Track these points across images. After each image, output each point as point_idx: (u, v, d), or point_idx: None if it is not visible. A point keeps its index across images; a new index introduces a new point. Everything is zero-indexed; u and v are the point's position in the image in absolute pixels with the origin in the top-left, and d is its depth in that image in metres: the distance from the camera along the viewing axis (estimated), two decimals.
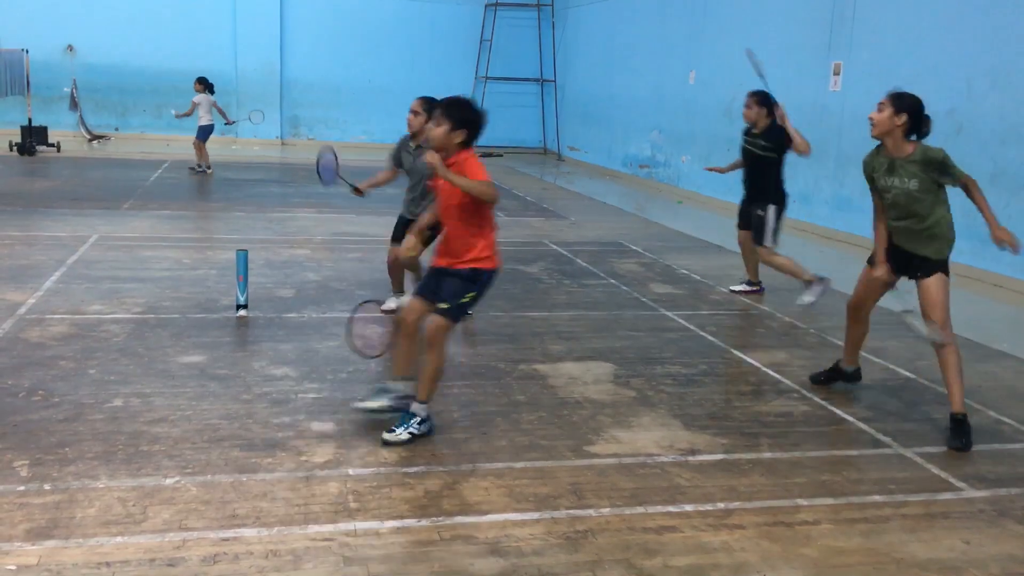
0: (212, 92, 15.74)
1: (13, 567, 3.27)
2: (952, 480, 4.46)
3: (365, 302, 5.18)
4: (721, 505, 4.06)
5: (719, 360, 6.29)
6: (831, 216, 12.00)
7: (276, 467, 4.22)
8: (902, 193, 4.99)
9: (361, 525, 3.70)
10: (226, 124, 16.19)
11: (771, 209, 7.83)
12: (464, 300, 4.60)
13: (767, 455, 4.66)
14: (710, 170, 8.86)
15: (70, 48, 21.08)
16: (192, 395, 5.09)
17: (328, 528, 3.67)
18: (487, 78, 22.80)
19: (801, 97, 12.67)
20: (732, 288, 8.41)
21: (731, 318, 7.48)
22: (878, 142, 5.07)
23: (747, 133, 8.04)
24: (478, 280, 4.61)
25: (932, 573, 3.57)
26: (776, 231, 7.88)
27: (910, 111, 4.95)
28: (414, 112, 6.38)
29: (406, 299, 5.11)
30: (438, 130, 4.47)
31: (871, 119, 5.02)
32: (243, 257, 6.80)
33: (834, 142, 12.04)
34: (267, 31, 21.87)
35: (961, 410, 4.97)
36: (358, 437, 4.62)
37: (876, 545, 3.77)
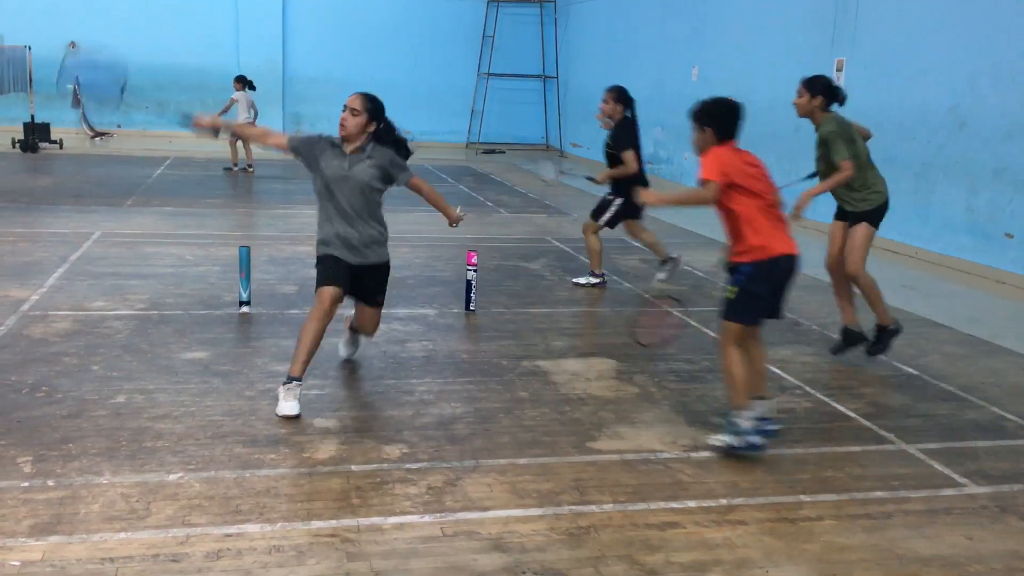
0: (252, 89, 15.66)
1: (17, 563, 3.28)
2: (955, 476, 4.46)
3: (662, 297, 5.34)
4: (723, 501, 4.06)
5: None
6: (832, 213, 11.99)
7: (279, 463, 4.23)
8: (821, 158, 6.02)
9: (364, 521, 3.71)
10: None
11: (618, 201, 8.08)
12: (728, 296, 4.57)
13: (769, 451, 4.66)
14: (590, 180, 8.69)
15: (72, 45, 21.08)
16: (195, 391, 5.10)
17: (331, 524, 3.67)
18: (489, 74, 22.79)
19: None
20: (576, 280, 8.32)
21: None
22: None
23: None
24: (734, 274, 4.57)
25: (935, 569, 3.57)
26: (615, 219, 8.16)
27: (823, 92, 5.91)
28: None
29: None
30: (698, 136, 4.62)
31: (794, 104, 6.01)
32: (245, 253, 6.80)
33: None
34: (269, 27, 21.87)
35: (886, 322, 6.00)
36: (360, 433, 4.63)
37: (879, 541, 3.77)
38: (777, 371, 5.99)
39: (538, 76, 23.39)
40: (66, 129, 19.81)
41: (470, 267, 7.13)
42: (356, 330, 5.70)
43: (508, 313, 7.16)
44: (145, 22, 21.07)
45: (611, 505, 3.97)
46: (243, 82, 15.54)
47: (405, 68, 22.52)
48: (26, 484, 3.89)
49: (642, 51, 18.16)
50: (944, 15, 10.16)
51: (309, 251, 9.11)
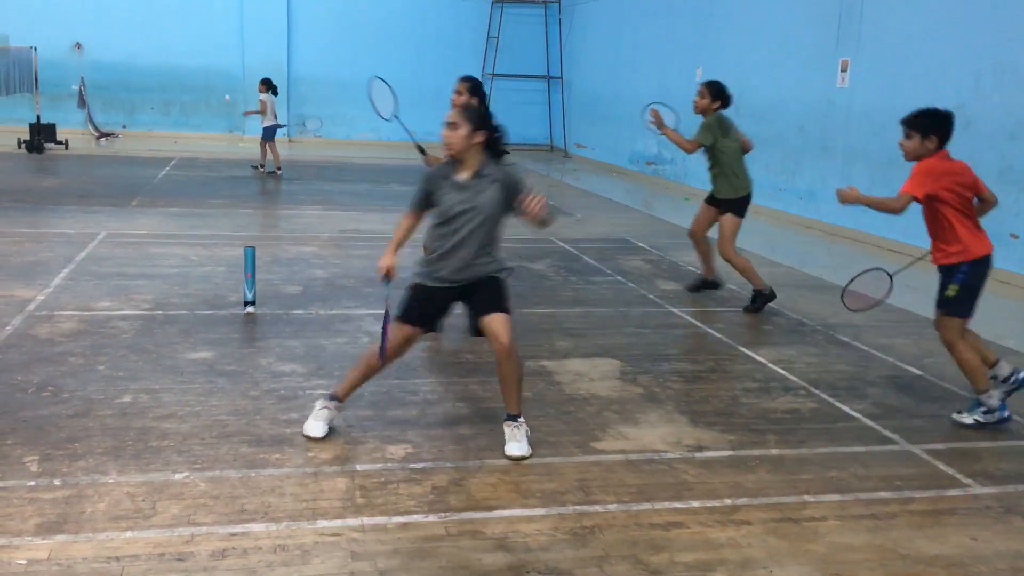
0: (275, 94, 15.70)
1: (24, 561, 3.30)
2: (959, 477, 4.46)
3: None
4: (728, 501, 4.06)
5: (726, 357, 6.29)
6: (838, 213, 11.98)
7: (284, 463, 4.24)
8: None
9: (368, 521, 3.72)
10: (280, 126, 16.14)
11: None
12: (950, 295, 5.10)
13: (774, 451, 4.66)
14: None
15: (78, 46, 21.14)
16: (200, 391, 5.12)
17: (336, 523, 3.68)
18: (494, 75, 22.80)
19: (809, 93, 12.67)
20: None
21: (738, 315, 7.47)
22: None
23: None
24: (952, 274, 5.07)
25: (939, 569, 3.57)
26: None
27: (720, 96, 7.39)
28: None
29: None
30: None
31: (695, 102, 7.41)
32: (250, 254, 6.82)
33: (841, 138, 12.03)
34: (274, 28, 21.91)
35: (762, 287, 7.39)
36: (365, 433, 4.64)
37: (883, 541, 3.77)
38: (782, 371, 6.00)
39: (542, 77, 23.40)
40: (72, 130, 19.86)
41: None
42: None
43: (512, 314, 7.14)
44: (150, 23, 21.12)
45: (615, 505, 3.97)
46: (268, 85, 15.55)
47: (409, 69, 22.52)
48: (32, 483, 3.90)
49: (646, 51, 18.16)
50: (948, 15, 10.15)
51: (314, 251, 9.13)
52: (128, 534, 3.51)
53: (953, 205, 5.00)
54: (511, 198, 4.45)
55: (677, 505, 4.00)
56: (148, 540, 3.48)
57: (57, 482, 3.92)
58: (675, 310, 7.51)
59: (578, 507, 3.93)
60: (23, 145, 17.40)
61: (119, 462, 4.15)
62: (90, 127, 20.89)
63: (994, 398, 5.08)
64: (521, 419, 4.52)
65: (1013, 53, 9.22)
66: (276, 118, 15.55)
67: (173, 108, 22.00)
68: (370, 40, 22.45)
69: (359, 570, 3.35)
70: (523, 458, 4.38)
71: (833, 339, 6.85)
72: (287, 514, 3.74)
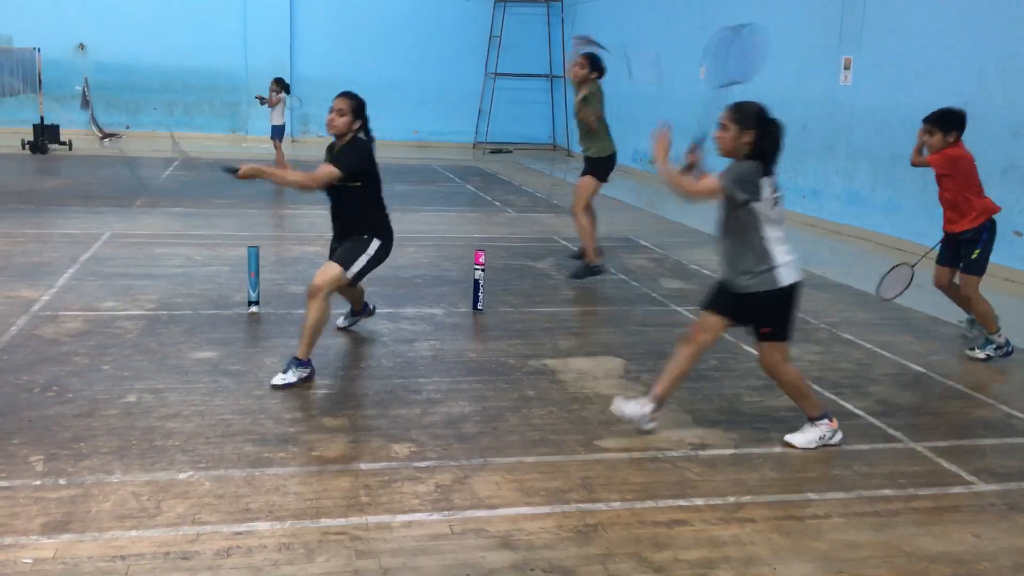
0: (288, 93, 15.73)
1: (29, 560, 3.31)
2: (962, 474, 4.46)
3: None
4: (731, 499, 4.07)
5: (729, 355, 6.29)
6: (841, 211, 11.98)
7: (288, 462, 4.25)
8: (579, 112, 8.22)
9: (373, 519, 3.73)
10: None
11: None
12: (974, 256, 6.18)
13: (777, 450, 4.67)
14: None
15: (81, 47, 21.17)
16: (205, 391, 5.13)
17: (340, 522, 3.69)
18: (496, 74, 22.80)
19: (811, 92, 12.65)
20: None
21: None
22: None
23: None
24: (980, 239, 6.15)
25: (942, 566, 3.57)
26: None
27: (598, 68, 8.10)
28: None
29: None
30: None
31: (573, 73, 8.12)
32: (254, 254, 6.83)
33: (844, 137, 12.01)
34: (277, 28, 21.92)
35: (588, 255, 8.11)
36: (369, 432, 4.65)
37: (886, 539, 3.77)
38: None
39: (545, 76, 23.39)
40: (75, 130, 19.89)
41: (477, 266, 7.15)
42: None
43: (515, 312, 7.17)
44: (153, 24, 21.13)
45: (619, 503, 3.98)
46: (282, 84, 15.57)
47: (412, 68, 22.55)
48: (38, 483, 3.92)
49: (649, 50, 18.14)
50: (952, 12, 10.13)
51: (318, 251, 9.14)
52: (133, 533, 3.53)
53: (969, 179, 6.12)
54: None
55: (681, 503, 4.01)
56: (153, 539, 3.49)
57: (62, 481, 3.94)
58: (679, 309, 7.51)
59: (582, 505, 3.94)
60: (27, 146, 17.43)
61: (124, 461, 4.16)
62: (94, 128, 20.92)
63: (1002, 337, 6.33)
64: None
65: (1017, 51, 9.21)
66: (286, 120, 15.58)
67: (176, 108, 22.02)
68: (373, 40, 22.46)
69: (363, 568, 3.36)
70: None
71: (836, 337, 6.84)
72: (292, 513, 3.75)
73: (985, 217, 6.14)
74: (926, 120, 6.15)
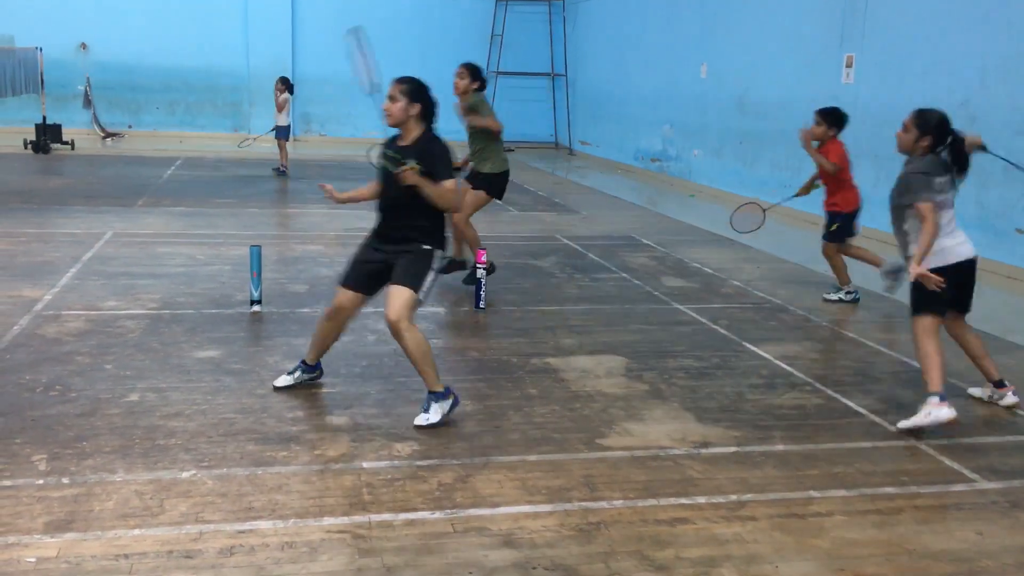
0: (292, 92, 15.76)
1: (33, 559, 3.32)
2: (965, 472, 4.46)
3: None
4: (733, 497, 4.07)
5: (731, 353, 6.29)
6: None
7: (291, 460, 4.26)
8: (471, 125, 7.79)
9: (375, 518, 3.74)
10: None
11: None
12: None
13: (779, 447, 4.67)
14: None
15: (83, 46, 21.19)
16: (207, 390, 5.14)
17: (343, 521, 3.70)
18: (498, 73, 22.79)
19: (813, 90, 12.63)
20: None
21: (743, 311, 7.48)
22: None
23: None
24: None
25: (945, 564, 3.57)
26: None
27: (479, 78, 7.82)
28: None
29: None
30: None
31: (455, 84, 7.83)
32: (256, 253, 6.84)
33: (847, 135, 11.97)
34: (278, 27, 21.93)
35: (458, 256, 7.83)
36: (371, 431, 4.65)
37: (889, 536, 3.77)
38: (787, 367, 6.00)
39: (547, 74, 23.39)
40: (77, 130, 19.91)
41: (480, 265, 7.15)
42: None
43: (517, 311, 7.17)
44: (155, 24, 21.15)
45: (621, 501, 3.98)
46: (287, 84, 15.59)
47: (413, 67, 22.17)
48: (41, 482, 3.92)
49: (651, 48, 18.14)
50: (954, 10, 10.12)
51: (320, 250, 9.15)
52: (136, 532, 3.53)
53: None
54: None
55: (683, 501, 4.01)
56: (156, 538, 3.50)
57: (65, 480, 3.95)
58: (680, 307, 7.51)
59: (584, 503, 3.94)
60: (29, 146, 17.45)
61: (127, 460, 4.17)
62: (96, 127, 20.93)
63: (851, 285, 7.67)
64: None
65: (1019, 49, 9.20)
66: (289, 120, 15.62)
67: (178, 108, 22.04)
68: (374, 39, 22.22)
69: (366, 567, 3.37)
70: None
71: (838, 335, 6.84)
72: (294, 511, 3.76)
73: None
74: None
